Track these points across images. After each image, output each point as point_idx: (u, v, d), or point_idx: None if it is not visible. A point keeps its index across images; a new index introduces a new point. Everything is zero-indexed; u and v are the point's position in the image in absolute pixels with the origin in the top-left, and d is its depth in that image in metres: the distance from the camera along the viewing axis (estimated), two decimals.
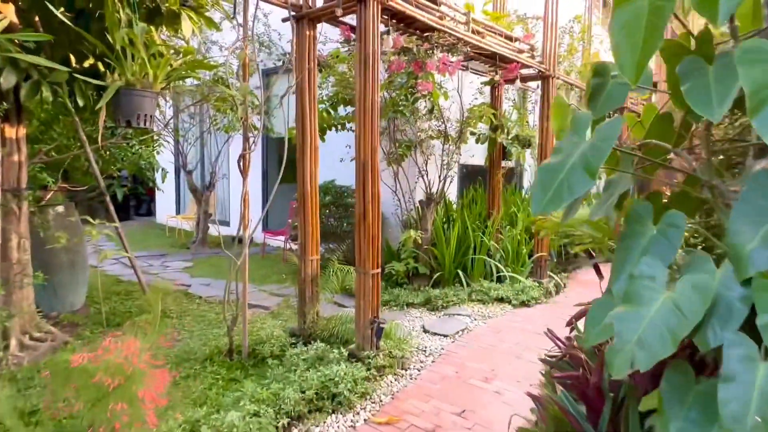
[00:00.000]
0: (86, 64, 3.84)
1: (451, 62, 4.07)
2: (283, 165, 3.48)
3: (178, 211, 10.59)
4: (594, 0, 9.90)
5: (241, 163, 3.37)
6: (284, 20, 3.71)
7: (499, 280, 5.63)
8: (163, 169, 5.69)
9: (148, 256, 7.50)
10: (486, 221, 6.12)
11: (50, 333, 3.92)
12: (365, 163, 3.30)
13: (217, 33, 6.20)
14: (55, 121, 4.65)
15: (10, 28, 3.51)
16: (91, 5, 3.43)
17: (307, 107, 3.65)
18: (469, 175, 7.08)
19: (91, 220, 3.12)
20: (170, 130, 7.64)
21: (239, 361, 3.54)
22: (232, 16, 3.30)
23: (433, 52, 4.03)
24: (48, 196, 4.82)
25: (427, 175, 5.75)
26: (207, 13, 3.99)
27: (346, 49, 5.05)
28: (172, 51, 3.63)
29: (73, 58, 3.66)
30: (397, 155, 5.58)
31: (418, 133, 5.76)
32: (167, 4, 3.71)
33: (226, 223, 9.58)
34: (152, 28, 3.31)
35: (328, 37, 5.00)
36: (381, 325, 3.33)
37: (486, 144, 6.17)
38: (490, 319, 4.73)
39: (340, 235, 6.27)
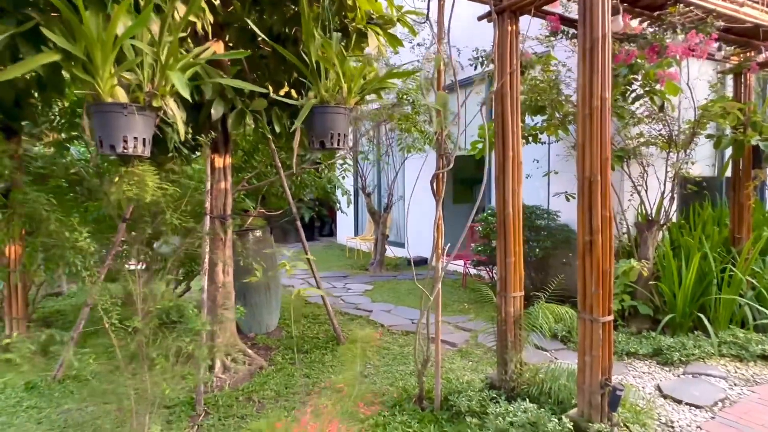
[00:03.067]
0: (282, 92, 3.92)
1: (698, 44, 3.08)
2: (483, 183, 2.94)
3: (356, 233, 10.94)
4: None
5: (434, 184, 2.94)
6: (481, 18, 3.22)
7: (758, 329, 4.19)
8: (347, 192, 5.69)
9: (331, 277, 7.71)
10: (731, 249, 4.70)
11: (249, 356, 4.00)
12: (592, 180, 2.56)
13: (394, 56, 6.10)
14: (255, 150, 4.94)
15: (219, 63, 3.72)
16: (286, 29, 3.42)
17: (509, 115, 3.07)
18: (690, 189, 5.64)
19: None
20: (351, 153, 7.83)
21: (431, 412, 3.05)
22: (424, 20, 2.93)
23: (675, 33, 3.10)
24: (249, 221, 5.12)
25: (646, 190, 4.65)
26: (391, 30, 3.75)
27: (545, 49, 4.37)
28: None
29: (270, 89, 3.74)
30: None
31: (629, 140, 4.72)
32: (354, 23, 3.56)
33: (401, 245, 9.50)
34: (341, 47, 3.15)
35: (525, 35, 4.38)
36: (618, 392, 2.52)
37: (715, 148, 4.79)
38: (758, 385, 3.45)
39: (530, 263, 5.48)
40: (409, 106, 4.79)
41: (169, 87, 2.02)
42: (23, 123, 3.38)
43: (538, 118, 4.99)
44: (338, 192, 5.89)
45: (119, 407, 3.12)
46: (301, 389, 3.47)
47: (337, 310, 5.64)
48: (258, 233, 4.78)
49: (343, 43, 3.07)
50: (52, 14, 1.93)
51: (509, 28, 3.02)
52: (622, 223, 4.90)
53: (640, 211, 4.71)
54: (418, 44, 6.46)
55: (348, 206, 6.05)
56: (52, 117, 3.69)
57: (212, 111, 3.16)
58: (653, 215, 4.62)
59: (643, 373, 3.70)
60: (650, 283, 4.42)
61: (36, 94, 2.99)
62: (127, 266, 4.03)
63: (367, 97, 5.44)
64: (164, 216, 2.92)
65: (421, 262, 7.83)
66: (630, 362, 3.90)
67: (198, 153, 3.89)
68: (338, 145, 2.49)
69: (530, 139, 5.09)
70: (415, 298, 2.90)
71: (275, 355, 4.18)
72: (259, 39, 3.46)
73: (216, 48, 3.60)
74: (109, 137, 1.97)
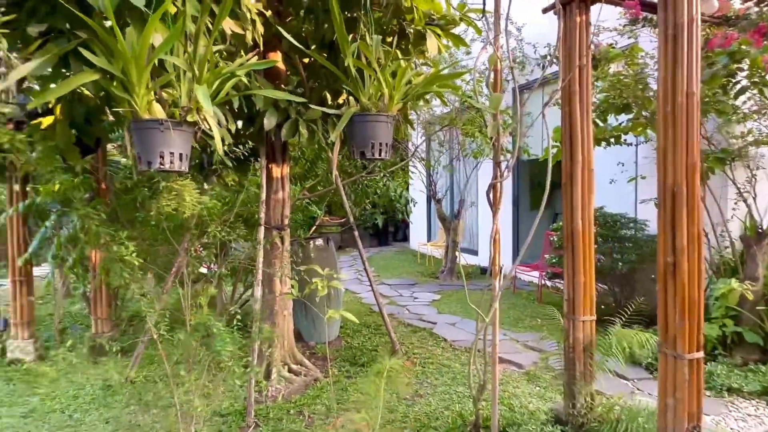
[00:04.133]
0: (340, 100, 3.86)
1: None
2: (546, 192, 2.63)
3: (429, 238, 10.73)
4: None
5: (491, 194, 2.68)
6: (546, 10, 2.92)
7: None
8: (411, 201, 5.52)
9: (398, 285, 7.58)
10: None
11: (305, 367, 3.98)
12: (675, 191, 2.18)
13: (467, 56, 5.83)
14: (318, 159, 4.96)
15: (277, 74, 3.74)
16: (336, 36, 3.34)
17: (578, 117, 2.73)
18: None
19: (319, 270, 2.89)
20: (420, 158, 7.65)
21: None
22: (481, 15, 2.71)
23: None
24: (312, 229, 5.14)
25: (754, 198, 3.99)
26: (455, 30, 3.54)
27: (629, 40, 3.90)
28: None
29: (329, 97, 3.69)
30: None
31: (734, 139, 4.08)
32: (413, 25, 3.40)
33: (474, 252, 9.14)
34: (398, 51, 3.00)
35: (600, 26, 3.95)
36: None
37: None
38: None
39: (614, 277, 4.95)
40: (472, 101, 4.51)
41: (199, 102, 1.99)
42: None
43: (623, 117, 4.50)
44: (405, 199, 5.77)
45: (178, 412, 3.22)
46: (352, 406, 3.35)
47: (400, 321, 5.49)
48: (319, 242, 4.77)
49: (398, 50, 2.94)
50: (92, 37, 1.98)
51: (577, 19, 2.69)
52: (723, 236, 4.24)
53: (746, 222, 4.04)
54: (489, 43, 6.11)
55: (408, 215, 5.88)
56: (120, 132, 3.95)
57: (265, 121, 3.16)
58: (763, 227, 3.94)
59: (749, 415, 3.13)
60: (759, 307, 3.76)
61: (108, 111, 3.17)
62: (199, 271, 4.20)
63: (435, 102, 5.25)
64: (218, 226, 2.96)
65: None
66: (732, 401, 3.33)
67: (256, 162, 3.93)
68: (380, 155, 2.34)
69: (612, 140, 4.60)
70: (484, 312, 2.67)
71: (332, 367, 4.12)
72: (313, 47, 3.43)
73: (273, 57, 3.63)
74: (146, 153, 1.98)
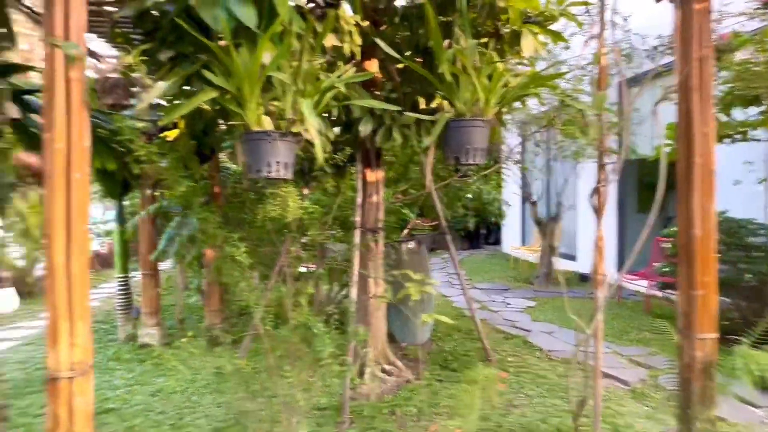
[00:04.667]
0: (434, 104, 3.88)
1: None
2: (659, 195, 2.43)
3: (522, 242, 10.35)
4: None
5: (595, 199, 2.53)
6: None
7: None
8: (504, 204, 5.38)
9: (490, 290, 7.41)
10: None
11: (397, 368, 4.04)
12: None
13: (565, 52, 5.53)
14: (410, 163, 5.01)
15: (372, 81, 3.85)
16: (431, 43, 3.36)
17: (697, 113, 2.48)
18: None
19: (412, 275, 2.92)
20: (515, 159, 7.41)
21: None
22: (584, 9, 2.57)
23: None
24: (404, 232, 5.21)
25: None
26: (554, 26, 3.40)
27: (756, 23, 3.46)
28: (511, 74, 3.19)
29: (423, 101, 3.72)
30: None
31: None
32: (508, 25, 3.32)
33: (572, 258, 8.65)
34: (493, 53, 2.95)
35: (724, 12, 3.55)
36: None
37: None
38: None
39: (740, 290, 4.42)
40: (571, 101, 4.26)
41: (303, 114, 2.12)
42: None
43: (752, 111, 4.00)
44: (498, 202, 5.63)
45: (280, 403, 3.45)
46: (444, 410, 3.35)
47: (492, 327, 5.37)
48: (411, 244, 4.82)
49: (493, 52, 2.89)
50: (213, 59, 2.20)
51: (696, 6, 2.44)
52: None
53: None
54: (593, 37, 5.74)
55: (502, 219, 5.72)
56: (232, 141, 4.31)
57: (360, 128, 3.27)
58: None
59: None
60: None
61: (220, 123, 3.49)
62: (294, 271, 4.46)
63: (531, 101, 5.08)
64: (318, 229, 3.12)
65: None
66: None
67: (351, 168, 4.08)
68: (475, 160, 2.32)
69: (738, 137, 4.11)
70: (585, 321, 2.53)
71: (423, 370, 4.14)
72: (407, 54, 3.49)
73: (369, 67, 3.74)
74: (256, 162, 2.15)
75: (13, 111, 1.68)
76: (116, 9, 2.93)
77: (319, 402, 3.42)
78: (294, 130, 2.11)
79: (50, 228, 1.94)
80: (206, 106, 2.95)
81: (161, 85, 2.08)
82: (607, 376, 3.81)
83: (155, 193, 4.59)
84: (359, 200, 3.66)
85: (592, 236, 2.67)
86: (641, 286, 6.21)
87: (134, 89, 2.30)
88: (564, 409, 3.30)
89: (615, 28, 2.66)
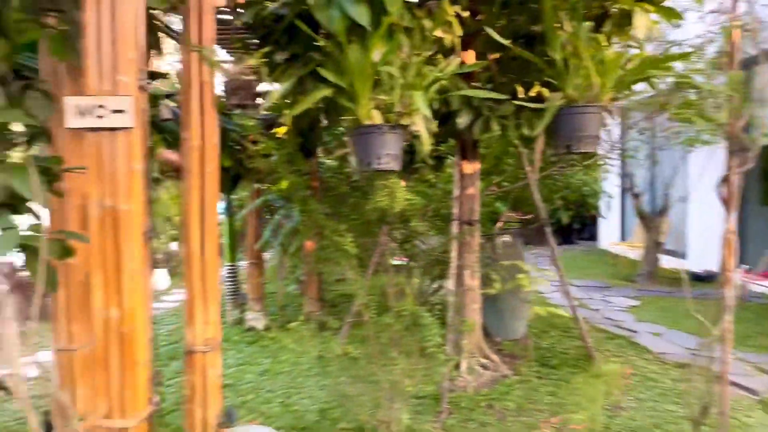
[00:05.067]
0: (533, 92, 3.75)
1: None
2: None
3: (622, 238, 9.69)
4: None
5: (724, 189, 2.32)
6: None
7: None
8: (608, 196, 5.08)
9: (588, 287, 7.04)
10: None
11: (493, 362, 4.00)
12: None
13: (675, 30, 5.04)
14: (506, 154, 4.89)
15: (469, 72, 3.81)
16: (533, 27, 3.26)
17: None
18: None
19: (523, 266, 2.85)
20: (616, 149, 6.95)
21: None
22: None
23: None
24: (498, 225, 5.11)
25: None
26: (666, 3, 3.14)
27: None
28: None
29: (521, 90, 3.62)
30: None
31: None
32: (617, 4, 3.11)
33: (680, 255, 7.95)
34: (599, 37, 2.79)
35: None
36: None
37: None
38: None
39: None
40: (691, 90, 3.89)
41: (411, 107, 2.16)
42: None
43: None
44: (599, 194, 5.33)
45: (378, 389, 3.57)
46: (545, 407, 3.26)
47: (592, 326, 5.11)
48: (506, 238, 4.72)
49: (599, 35, 2.73)
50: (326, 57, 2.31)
51: None
52: None
53: None
54: (712, 11, 5.20)
55: (604, 210, 5.40)
56: (331, 137, 4.49)
57: (458, 120, 3.26)
58: None
59: None
60: None
61: (323, 120, 3.66)
62: (391, 262, 4.57)
63: (638, 87, 4.75)
64: (416, 220, 3.17)
65: (709, 277, 6.35)
66: None
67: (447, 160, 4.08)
68: (588, 148, 2.22)
69: None
70: (696, 323, 2.33)
71: (520, 365, 4.05)
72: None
73: (465, 57, 3.70)
74: (366, 155, 2.24)
75: (166, 112, 1.90)
76: (233, 17, 3.18)
77: (418, 390, 3.49)
78: (403, 122, 2.16)
79: (187, 217, 2.17)
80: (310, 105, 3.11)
81: (282, 87, 2.23)
82: (731, 383, 3.47)
83: (261, 188, 4.92)
84: (456, 192, 3.65)
85: (705, 231, 2.45)
86: (767, 286, 5.57)
87: (256, 91, 2.50)
88: (680, 416, 3.07)
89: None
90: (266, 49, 2.37)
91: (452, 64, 2.42)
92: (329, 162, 5.62)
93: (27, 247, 1.62)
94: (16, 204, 1.72)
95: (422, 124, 2.25)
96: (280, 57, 2.55)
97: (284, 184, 4.10)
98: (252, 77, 2.45)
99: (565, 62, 2.31)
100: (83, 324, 2.13)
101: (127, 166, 1.56)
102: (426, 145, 2.22)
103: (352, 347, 4.45)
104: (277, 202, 4.95)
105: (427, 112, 2.04)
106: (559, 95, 2.34)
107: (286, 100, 3.01)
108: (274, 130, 3.76)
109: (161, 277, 7.57)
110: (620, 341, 4.62)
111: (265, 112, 4.19)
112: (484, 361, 3.98)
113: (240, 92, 2.21)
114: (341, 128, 4.58)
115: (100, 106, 1.52)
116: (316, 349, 4.62)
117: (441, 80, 2.31)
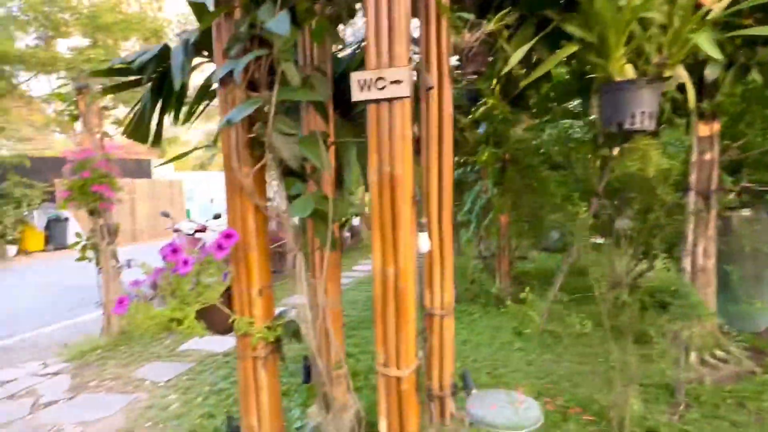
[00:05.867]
0: None
1: None
2: None
3: None
4: None
5: None
6: None
7: None
8: None
9: None
10: None
11: (732, 355, 3.43)
12: None
13: None
14: (744, 114, 4.07)
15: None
16: None
17: None
18: None
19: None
20: None
21: None
22: None
23: None
24: (730, 197, 4.32)
25: None
26: None
27: None
28: None
29: None
30: None
31: None
32: None
33: None
34: None
35: None
36: None
37: None
38: None
39: None
40: None
41: (681, 53, 1.88)
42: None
43: None
44: None
45: (593, 370, 3.34)
46: None
47: None
48: (746, 212, 3.97)
49: None
50: (567, 13, 2.13)
51: None
52: None
53: None
54: None
55: None
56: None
57: (706, 71, 2.78)
58: None
59: None
60: None
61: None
62: (593, 240, 4.22)
63: None
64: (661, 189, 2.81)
65: None
66: None
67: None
68: None
69: None
70: None
71: None
72: None
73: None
74: (617, 114, 2.03)
75: (429, 80, 1.97)
76: None
77: (641, 377, 3.18)
78: (667, 74, 1.90)
79: (428, 186, 2.23)
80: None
81: (518, 52, 2.13)
82: None
83: (459, 160, 4.94)
84: (694, 157, 3.17)
85: None
86: None
87: (490, 57, 2.45)
88: None
89: None
90: (504, 12, 2.29)
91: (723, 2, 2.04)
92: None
93: (317, 212, 1.85)
94: (303, 174, 1.97)
95: (686, 74, 1.95)
96: (512, 17, 2.45)
97: (484, 156, 4.04)
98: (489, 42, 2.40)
99: None
100: (334, 283, 2.40)
101: (402, 132, 1.65)
102: (693, 96, 1.92)
103: (553, 325, 4.27)
104: (471, 175, 4.93)
105: (718, 55, 1.75)
106: None
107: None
108: (479, 102, 3.70)
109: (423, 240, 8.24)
110: None
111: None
112: (720, 354, 3.45)
113: (478, 59, 2.18)
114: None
115: (380, 78, 1.63)
116: (510, 323, 4.54)
117: (716, 20, 1.96)
